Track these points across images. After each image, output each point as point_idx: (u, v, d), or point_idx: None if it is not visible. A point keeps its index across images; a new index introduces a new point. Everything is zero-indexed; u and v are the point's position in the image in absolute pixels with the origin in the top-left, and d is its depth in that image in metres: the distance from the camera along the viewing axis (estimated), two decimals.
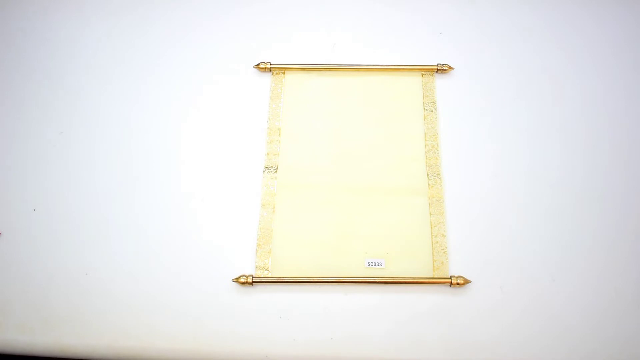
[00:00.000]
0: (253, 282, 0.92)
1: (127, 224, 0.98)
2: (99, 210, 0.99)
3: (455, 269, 0.94)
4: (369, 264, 0.94)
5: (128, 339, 0.89)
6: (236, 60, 1.13)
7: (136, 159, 1.03)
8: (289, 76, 1.10)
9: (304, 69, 1.10)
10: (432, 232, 0.96)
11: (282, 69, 1.10)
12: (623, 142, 1.04)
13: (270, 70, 1.10)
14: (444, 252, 0.94)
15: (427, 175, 1.00)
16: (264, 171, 1.01)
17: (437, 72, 1.10)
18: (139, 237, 0.96)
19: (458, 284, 0.91)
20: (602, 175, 1.01)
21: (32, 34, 1.17)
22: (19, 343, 0.90)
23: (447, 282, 0.92)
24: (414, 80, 1.09)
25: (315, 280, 0.92)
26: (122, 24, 1.17)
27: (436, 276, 0.93)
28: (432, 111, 1.06)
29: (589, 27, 1.17)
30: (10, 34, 1.17)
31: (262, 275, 0.93)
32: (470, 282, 0.92)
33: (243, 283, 0.92)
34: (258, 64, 1.11)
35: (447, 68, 1.10)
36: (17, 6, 1.20)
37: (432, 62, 1.11)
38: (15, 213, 0.99)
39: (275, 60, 1.12)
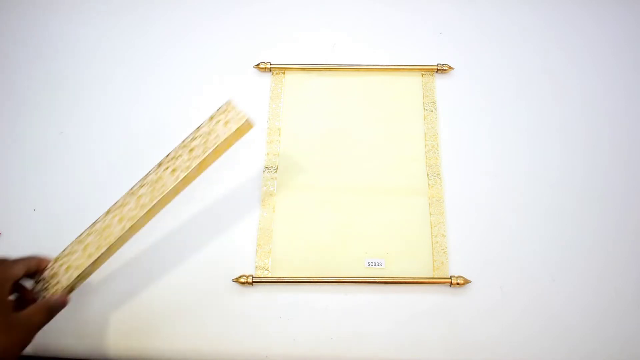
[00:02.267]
0: (253, 282, 0.92)
1: None
2: (99, 210, 0.98)
3: (455, 269, 0.94)
4: (369, 264, 0.94)
5: (128, 339, 0.89)
6: (236, 60, 1.13)
7: (136, 158, 1.03)
8: (289, 76, 1.10)
9: (304, 69, 1.10)
10: (432, 232, 0.96)
11: (282, 69, 1.10)
12: (623, 142, 1.05)
13: (270, 70, 1.10)
14: (444, 252, 0.94)
15: (427, 175, 1.00)
16: (264, 171, 1.01)
17: (437, 72, 1.10)
18: (139, 237, 0.96)
19: (458, 284, 0.91)
20: (602, 175, 1.01)
21: (32, 33, 1.17)
22: None
23: (447, 282, 0.92)
24: (414, 80, 1.09)
25: (315, 280, 0.92)
26: (122, 24, 1.17)
27: (436, 276, 0.93)
28: (432, 111, 1.06)
29: (589, 27, 1.17)
30: (10, 34, 1.17)
31: (262, 275, 0.93)
32: (470, 282, 0.92)
33: (243, 283, 0.92)
34: (258, 64, 1.11)
35: (447, 68, 1.09)
36: (17, 6, 1.20)
37: (432, 62, 1.11)
38: (15, 213, 0.99)
39: (275, 60, 1.12)
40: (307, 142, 1.04)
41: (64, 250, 0.85)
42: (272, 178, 1.00)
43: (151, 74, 1.12)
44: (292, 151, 1.03)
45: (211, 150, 0.87)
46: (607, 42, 1.15)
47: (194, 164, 0.86)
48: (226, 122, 0.88)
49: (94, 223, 0.86)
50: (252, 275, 0.92)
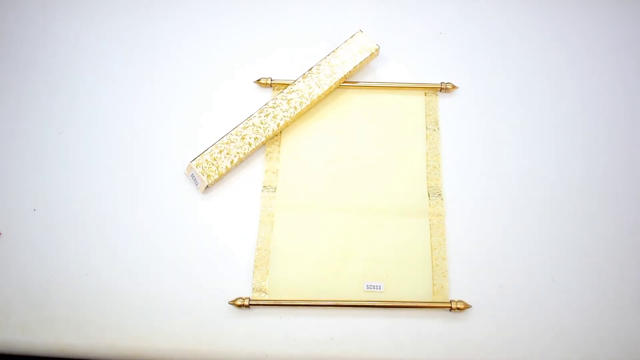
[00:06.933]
0: (250, 304, 0.91)
1: (127, 224, 0.98)
2: (99, 211, 0.99)
3: (455, 293, 0.93)
4: (368, 287, 0.93)
5: (128, 339, 0.90)
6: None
7: (136, 158, 1.04)
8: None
9: None
10: (432, 255, 0.95)
11: (283, 85, 1.08)
12: (623, 142, 1.04)
13: (272, 86, 1.08)
14: (444, 276, 0.93)
15: (429, 195, 0.99)
16: (262, 190, 1.00)
17: (440, 90, 1.08)
18: (139, 238, 0.97)
19: (458, 308, 0.90)
20: (602, 178, 1.01)
21: (32, 34, 1.16)
22: (19, 343, 0.91)
23: (447, 307, 0.90)
24: (417, 99, 1.07)
25: (313, 303, 0.91)
26: (122, 25, 1.16)
27: (436, 300, 0.92)
28: (434, 130, 1.04)
29: (592, 31, 1.16)
30: (10, 34, 1.16)
31: (259, 298, 0.92)
32: (471, 306, 0.91)
33: (240, 306, 0.91)
34: (259, 80, 1.09)
35: (450, 87, 1.07)
36: (17, 6, 1.19)
37: (436, 80, 1.09)
38: (15, 213, 0.99)
39: (276, 75, 1.10)
40: (306, 161, 1.02)
41: None
42: (271, 198, 0.99)
43: (151, 76, 1.11)
44: (291, 170, 1.02)
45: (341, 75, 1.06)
46: (608, 45, 1.14)
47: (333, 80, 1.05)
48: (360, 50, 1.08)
49: None
50: (249, 298, 0.91)
